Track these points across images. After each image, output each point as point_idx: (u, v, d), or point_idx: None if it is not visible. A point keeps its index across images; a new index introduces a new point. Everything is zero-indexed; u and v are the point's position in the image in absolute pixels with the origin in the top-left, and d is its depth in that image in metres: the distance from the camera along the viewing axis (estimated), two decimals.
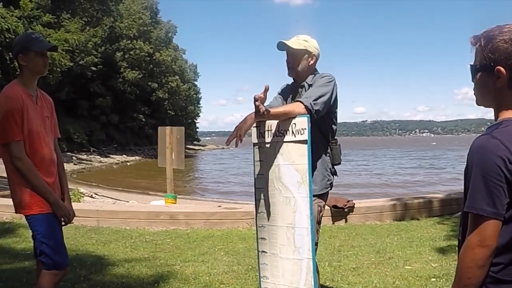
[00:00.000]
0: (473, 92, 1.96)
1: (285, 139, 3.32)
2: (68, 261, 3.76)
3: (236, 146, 3.19)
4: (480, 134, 1.82)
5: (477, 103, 1.97)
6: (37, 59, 3.56)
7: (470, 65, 1.93)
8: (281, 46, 3.69)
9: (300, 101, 3.37)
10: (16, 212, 3.65)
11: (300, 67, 3.70)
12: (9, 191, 4.23)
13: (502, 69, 1.79)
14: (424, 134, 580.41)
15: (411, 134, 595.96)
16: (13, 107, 3.40)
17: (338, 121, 3.85)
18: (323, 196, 3.73)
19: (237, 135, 3.18)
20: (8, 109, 3.40)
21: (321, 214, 3.72)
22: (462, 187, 1.86)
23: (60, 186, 3.80)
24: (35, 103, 3.61)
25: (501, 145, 1.70)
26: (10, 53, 36.26)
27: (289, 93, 3.86)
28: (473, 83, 1.95)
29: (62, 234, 3.71)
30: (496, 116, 1.87)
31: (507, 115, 1.83)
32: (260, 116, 3.20)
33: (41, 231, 3.51)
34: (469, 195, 1.74)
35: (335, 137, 3.83)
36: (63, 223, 3.69)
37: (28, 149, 3.47)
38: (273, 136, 3.39)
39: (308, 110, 3.33)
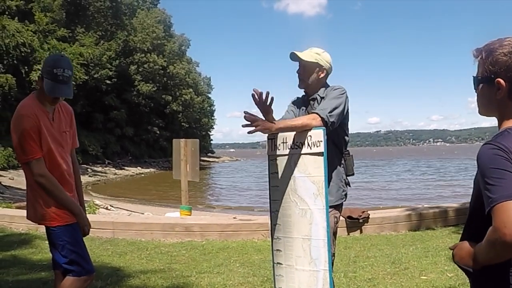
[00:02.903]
0: (476, 102, 2.00)
1: (300, 151, 3.32)
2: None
3: (249, 131, 3.16)
4: (484, 142, 1.84)
5: (479, 113, 2.01)
6: (46, 94, 3.52)
7: (473, 76, 1.97)
8: (293, 57, 3.72)
9: (317, 113, 3.37)
10: (39, 224, 3.66)
11: (310, 80, 3.72)
12: (24, 203, 4.26)
13: (502, 81, 1.83)
14: (438, 144, 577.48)
15: (425, 144, 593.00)
16: (29, 126, 3.41)
17: (352, 131, 3.87)
18: (338, 207, 3.74)
19: (255, 125, 3.13)
20: (24, 128, 3.41)
21: (337, 225, 3.74)
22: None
23: (77, 198, 3.81)
24: (51, 120, 3.60)
25: (504, 148, 1.73)
26: (26, 67, 36.77)
27: (301, 105, 3.87)
28: (476, 94, 2.00)
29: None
30: (500, 125, 1.91)
31: (509, 125, 1.86)
32: (277, 131, 3.23)
33: (69, 240, 3.55)
34: (484, 198, 1.72)
35: (347, 149, 3.85)
36: (83, 235, 3.72)
37: (48, 166, 3.49)
38: (288, 148, 3.39)
39: (324, 122, 3.33)
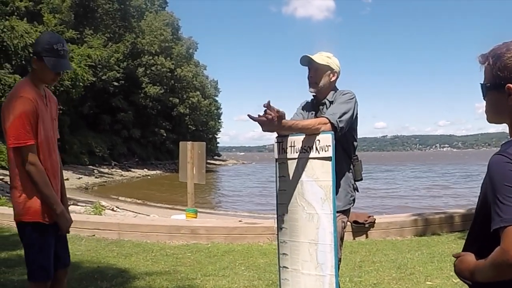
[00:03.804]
0: (485, 109, 1.94)
1: (308, 156, 3.32)
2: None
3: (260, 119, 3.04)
4: (495, 153, 1.81)
5: (488, 121, 1.96)
6: (47, 72, 3.42)
7: (480, 83, 1.92)
8: (305, 60, 3.72)
9: (327, 118, 3.38)
10: (15, 219, 3.45)
11: (322, 83, 3.72)
12: None
13: None
14: (444, 149, 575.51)
15: (431, 149, 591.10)
16: (28, 109, 3.27)
17: (358, 136, 3.86)
18: (346, 212, 3.75)
19: (265, 116, 3.03)
20: (23, 111, 3.26)
21: (344, 230, 3.74)
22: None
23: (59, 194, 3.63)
24: (46, 105, 3.50)
25: None
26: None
27: (310, 109, 3.87)
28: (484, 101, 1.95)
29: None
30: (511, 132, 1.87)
31: None
32: (283, 129, 3.20)
33: (42, 240, 3.41)
34: (493, 215, 1.69)
35: (356, 154, 3.85)
36: (61, 234, 3.59)
37: (40, 154, 3.35)
38: (296, 152, 3.39)
39: (334, 128, 3.33)
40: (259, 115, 3.03)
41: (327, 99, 3.73)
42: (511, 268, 1.61)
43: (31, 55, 3.50)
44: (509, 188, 1.66)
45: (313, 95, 3.86)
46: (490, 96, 1.89)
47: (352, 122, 3.62)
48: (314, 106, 3.86)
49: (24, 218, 3.40)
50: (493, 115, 1.93)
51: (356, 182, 3.84)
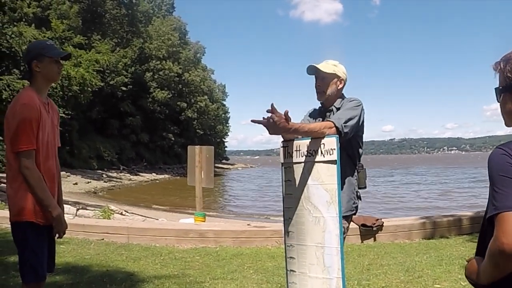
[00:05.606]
0: (501, 115, 1.96)
1: (314, 159, 3.32)
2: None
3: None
4: (497, 145, 1.84)
5: (506, 125, 1.97)
6: (51, 66, 3.55)
7: (495, 88, 1.95)
8: (311, 70, 3.74)
9: (332, 121, 3.40)
10: (14, 219, 3.48)
11: (329, 91, 3.74)
12: None
13: None
14: (452, 152, 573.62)
15: (439, 152, 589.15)
16: (31, 116, 3.35)
17: (366, 139, 3.88)
18: (347, 218, 3.74)
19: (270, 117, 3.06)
20: (26, 117, 3.34)
21: (344, 235, 3.74)
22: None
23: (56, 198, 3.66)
24: (48, 112, 3.57)
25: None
26: None
27: (317, 117, 3.88)
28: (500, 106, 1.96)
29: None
30: None
31: None
32: (289, 131, 3.21)
33: (35, 241, 3.44)
34: (489, 204, 1.73)
35: (360, 162, 3.86)
36: (57, 237, 3.62)
37: (37, 159, 3.41)
38: (302, 156, 3.40)
39: (338, 132, 3.35)
40: (263, 118, 3.07)
41: (334, 106, 3.74)
42: (503, 256, 1.62)
43: (29, 64, 3.56)
44: (504, 178, 1.69)
45: (321, 103, 3.89)
46: (503, 99, 1.92)
47: (358, 129, 3.64)
48: (321, 113, 3.87)
49: (19, 218, 3.44)
50: (508, 118, 1.94)
51: (360, 190, 3.86)
